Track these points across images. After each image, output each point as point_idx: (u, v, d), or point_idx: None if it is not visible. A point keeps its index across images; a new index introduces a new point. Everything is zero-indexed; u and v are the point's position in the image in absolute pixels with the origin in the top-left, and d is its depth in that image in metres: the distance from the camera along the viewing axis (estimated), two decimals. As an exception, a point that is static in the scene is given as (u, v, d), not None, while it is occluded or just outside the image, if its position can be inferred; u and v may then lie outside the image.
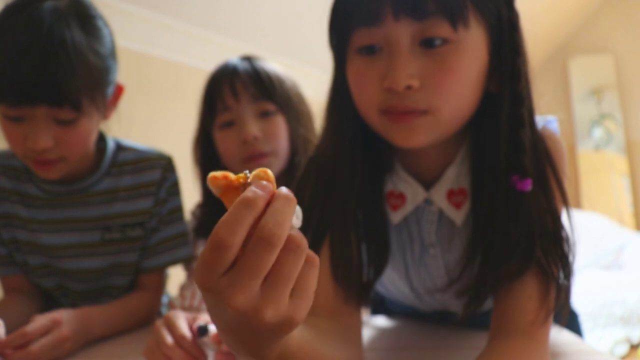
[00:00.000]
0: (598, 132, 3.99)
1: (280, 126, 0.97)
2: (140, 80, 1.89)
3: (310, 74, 2.28)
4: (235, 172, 0.39)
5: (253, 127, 0.94)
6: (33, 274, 0.97)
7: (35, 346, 0.70)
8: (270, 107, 0.96)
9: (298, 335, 0.45)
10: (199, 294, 0.90)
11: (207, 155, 1.02)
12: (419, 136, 0.59)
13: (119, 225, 0.95)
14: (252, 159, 0.95)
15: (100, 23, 0.85)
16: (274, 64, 1.02)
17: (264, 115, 0.96)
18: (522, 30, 0.61)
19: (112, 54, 0.87)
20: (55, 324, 0.74)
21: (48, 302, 0.99)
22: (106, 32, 0.86)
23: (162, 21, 1.95)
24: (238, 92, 0.95)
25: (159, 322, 0.69)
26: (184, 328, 0.66)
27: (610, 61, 4.02)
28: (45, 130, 0.79)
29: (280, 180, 0.97)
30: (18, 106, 0.77)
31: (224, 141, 0.97)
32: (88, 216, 0.94)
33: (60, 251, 0.94)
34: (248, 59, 1.01)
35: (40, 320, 0.73)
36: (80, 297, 0.98)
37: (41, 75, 0.75)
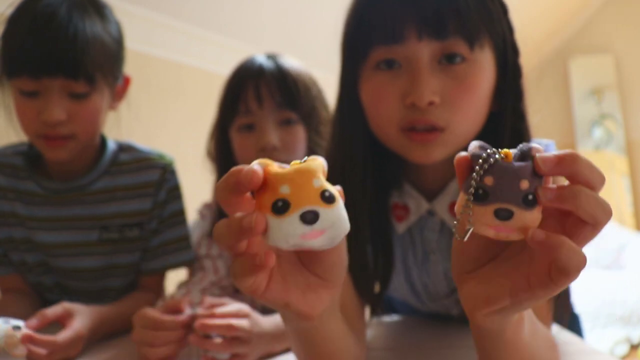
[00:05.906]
0: (598, 132, 3.99)
1: (299, 136, 0.95)
2: (141, 80, 1.89)
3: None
4: None
5: (273, 137, 0.91)
6: (32, 272, 0.97)
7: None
8: (293, 116, 0.94)
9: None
10: (194, 292, 0.91)
11: (222, 151, 1.01)
12: (435, 153, 0.61)
13: (117, 226, 0.95)
14: None
15: (110, 13, 0.91)
16: (299, 64, 0.99)
17: (285, 123, 0.94)
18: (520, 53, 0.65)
19: (121, 42, 0.92)
20: (79, 339, 0.75)
21: (47, 301, 0.99)
22: (115, 21, 0.91)
23: (162, 21, 1.95)
24: (262, 98, 0.92)
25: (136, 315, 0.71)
26: (155, 312, 0.70)
27: (610, 61, 4.01)
28: (59, 103, 0.82)
29: None
30: (37, 77, 0.81)
31: (242, 145, 0.95)
32: (86, 215, 0.94)
33: (57, 249, 0.94)
34: (274, 59, 0.97)
35: (69, 334, 0.73)
36: (78, 296, 0.98)
37: (60, 47, 0.80)
